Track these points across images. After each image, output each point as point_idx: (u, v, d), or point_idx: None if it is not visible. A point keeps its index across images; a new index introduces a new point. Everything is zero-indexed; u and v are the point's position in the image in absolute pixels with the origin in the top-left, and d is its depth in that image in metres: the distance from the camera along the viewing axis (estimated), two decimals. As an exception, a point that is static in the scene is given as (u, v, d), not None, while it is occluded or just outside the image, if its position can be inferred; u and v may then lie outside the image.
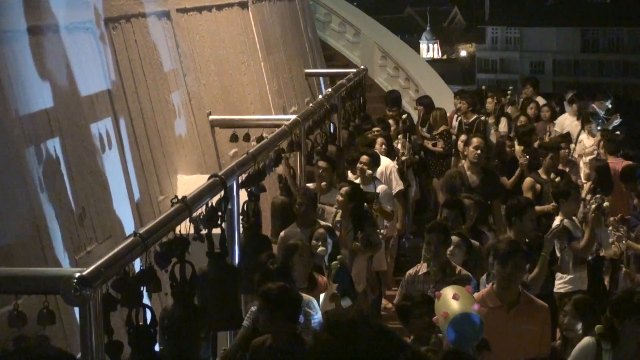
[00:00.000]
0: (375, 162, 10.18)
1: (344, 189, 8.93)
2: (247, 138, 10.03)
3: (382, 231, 9.58)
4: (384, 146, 11.30)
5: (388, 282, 11.10)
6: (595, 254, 9.23)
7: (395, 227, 10.76)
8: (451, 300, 6.08)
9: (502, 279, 6.62)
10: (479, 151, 10.24)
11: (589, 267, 8.67)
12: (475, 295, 6.62)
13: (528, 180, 10.65)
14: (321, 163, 9.66)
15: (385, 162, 10.87)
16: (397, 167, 11.21)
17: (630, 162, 11.07)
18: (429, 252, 7.52)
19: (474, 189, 9.93)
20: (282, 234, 8.46)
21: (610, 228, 9.27)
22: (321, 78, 16.91)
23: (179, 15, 10.04)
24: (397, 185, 10.88)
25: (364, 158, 10.02)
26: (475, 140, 10.39)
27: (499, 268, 6.60)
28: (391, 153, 11.48)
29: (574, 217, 9.04)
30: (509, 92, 16.83)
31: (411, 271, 7.68)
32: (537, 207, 10.32)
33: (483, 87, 16.94)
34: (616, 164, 11.25)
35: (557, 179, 10.37)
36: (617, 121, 15.33)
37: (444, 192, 10.28)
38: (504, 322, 6.49)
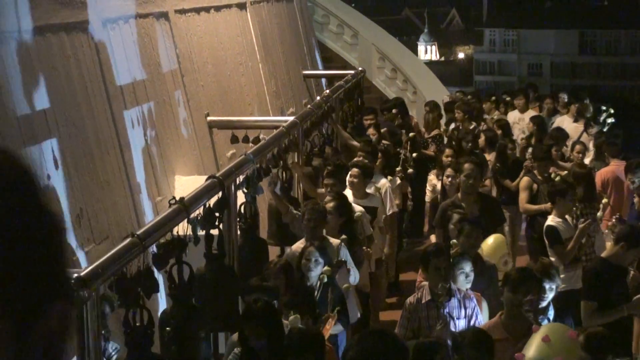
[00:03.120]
0: (367, 174, 9.29)
1: (332, 204, 8.14)
2: (246, 140, 10.01)
3: (368, 249, 8.80)
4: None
5: (377, 302, 10.25)
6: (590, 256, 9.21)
7: (379, 249, 9.56)
8: (538, 342, 5.33)
9: (512, 307, 6.20)
10: (471, 180, 9.09)
11: (589, 272, 8.52)
12: (481, 326, 6.22)
13: (525, 179, 10.70)
14: (353, 171, 9.09)
15: (382, 181, 9.92)
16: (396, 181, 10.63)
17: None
18: (438, 276, 7.02)
19: (475, 219, 8.69)
20: (288, 250, 7.88)
21: (606, 230, 9.28)
22: (322, 80, 16.92)
23: (177, 16, 10.04)
24: (391, 208, 9.84)
25: (354, 171, 9.14)
26: (466, 167, 9.18)
27: (509, 295, 6.19)
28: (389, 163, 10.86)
29: (566, 217, 9.06)
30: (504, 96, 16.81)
31: (411, 299, 7.12)
32: (534, 206, 10.38)
33: (455, 95, 16.72)
34: (618, 166, 11.22)
35: (560, 175, 10.40)
36: (607, 119, 15.41)
37: (437, 227, 9.28)
38: (510, 357, 5.84)
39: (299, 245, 7.75)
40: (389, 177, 10.32)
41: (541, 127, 13.57)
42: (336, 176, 9.01)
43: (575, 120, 14.90)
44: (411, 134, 12.73)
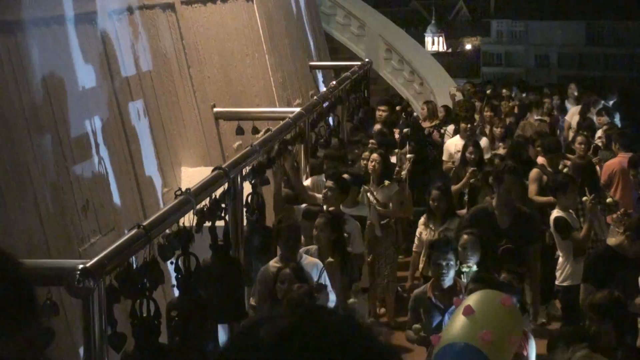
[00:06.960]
0: (342, 189, 8.62)
1: (321, 221, 7.67)
2: (254, 131, 9.99)
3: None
4: (374, 163, 9.93)
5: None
6: (597, 244, 9.19)
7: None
8: (458, 317, 4.04)
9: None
10: (511, 195, 8.35)
11: (593, 257, 8.47)
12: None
13: (534, 171, 10.66)
14: (328, 183, 8.57)
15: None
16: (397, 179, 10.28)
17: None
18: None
19: (503, 231, 8.19)
20: (262, 269, 7.24)
21: (612, 224, 9.26)
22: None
23: (184, 7, 10.03)
24: (358, 247, 8.61)
25: (328, 183, 8.56)
26: (507, 179, 8.37)
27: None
28: (390, 169, 10.41)
29: (570, 210, 9.06)
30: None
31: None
32: (543, 198, 10.34)
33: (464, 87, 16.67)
34: (625, 158, 11.16)
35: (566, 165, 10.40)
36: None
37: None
38: None
39: (273, 264, 7.20)
40: (386, 182, 9.90)
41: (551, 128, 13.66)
42: (338, 181, 8.54)
43: (583, 112, 14.87)
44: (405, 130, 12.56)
